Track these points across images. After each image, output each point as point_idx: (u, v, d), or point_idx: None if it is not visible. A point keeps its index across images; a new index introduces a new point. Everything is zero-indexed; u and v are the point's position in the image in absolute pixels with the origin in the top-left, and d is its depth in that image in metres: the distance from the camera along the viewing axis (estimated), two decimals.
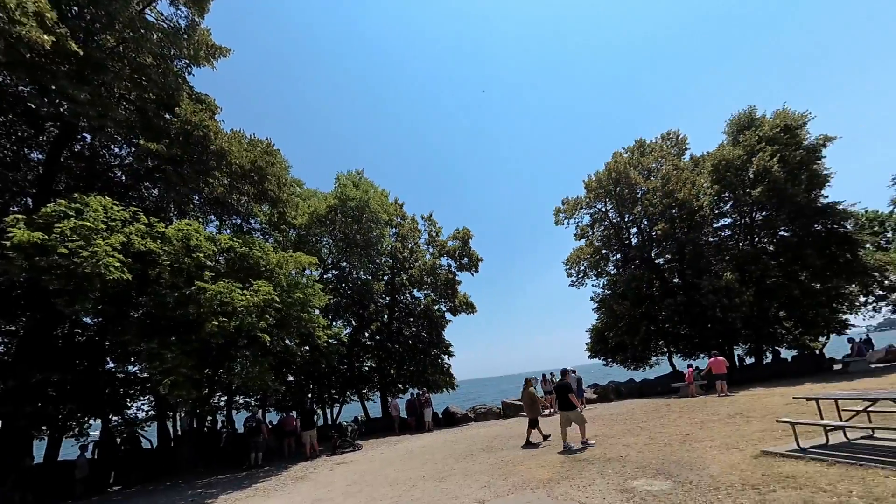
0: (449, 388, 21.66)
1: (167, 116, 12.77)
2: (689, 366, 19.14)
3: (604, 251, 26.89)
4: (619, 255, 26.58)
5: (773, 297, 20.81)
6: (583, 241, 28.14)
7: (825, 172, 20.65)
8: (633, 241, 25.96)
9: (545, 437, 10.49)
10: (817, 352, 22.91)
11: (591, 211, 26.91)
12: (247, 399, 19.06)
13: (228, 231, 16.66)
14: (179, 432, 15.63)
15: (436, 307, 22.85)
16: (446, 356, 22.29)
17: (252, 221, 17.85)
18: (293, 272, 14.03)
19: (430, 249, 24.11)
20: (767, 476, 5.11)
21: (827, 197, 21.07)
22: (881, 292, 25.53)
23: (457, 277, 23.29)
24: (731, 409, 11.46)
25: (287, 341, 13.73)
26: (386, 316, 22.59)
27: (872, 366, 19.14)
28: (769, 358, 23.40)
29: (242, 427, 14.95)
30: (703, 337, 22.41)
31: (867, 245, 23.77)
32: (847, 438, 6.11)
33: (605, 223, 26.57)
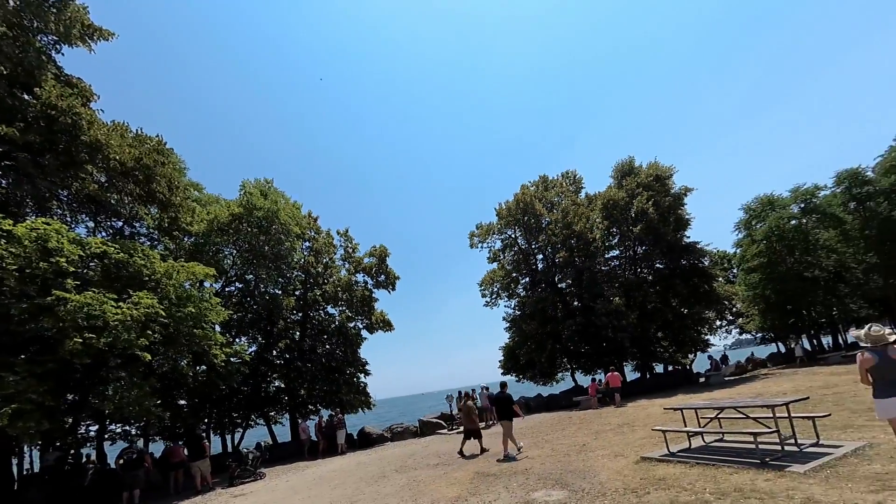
0: (365, 407, 21.02)
1: (25, 97, 11.02)
2: (592, 380, 21.01)
3: (514, 274, 28.63)
4: (527, 279, 28.52)
5: (652, 320, 23.97)
6: (495, 264, 29.83)
7: (687, 217, 24.99)
8: (540, 266, 28.12)
9: (483, 451, 10.70)
10: (687, 367, 26.69)
11: (503, 237, 28.78)
12: (126, 428, 16.44)
13: (105, 234, 14.51)
14: (32, 471, 12.92)
15: (351, 324, 22.26)
16: (362, 375, 21.66)
17: (137, 225, 15.72)
18: (186, 284, 12.67)
19: (346, 265, 23.54)
20: (644, 480, 5.81)
21: (689, 237, 25.47)
22: (731, 317, 31.00)
23: (373, 294, 23.03)
24: (621, 419, 12.79)
25: (177, 360, 12.25)
26: (297, 333, 21.35)
27: (726, 378, 22.83)
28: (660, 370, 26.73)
29: (115, 461, 12.82)
30: (599, 354, 24.83)
31: (719, 278, 28.81)
32: (704, 442, 7.20)
33: (515, 249, 28.45)
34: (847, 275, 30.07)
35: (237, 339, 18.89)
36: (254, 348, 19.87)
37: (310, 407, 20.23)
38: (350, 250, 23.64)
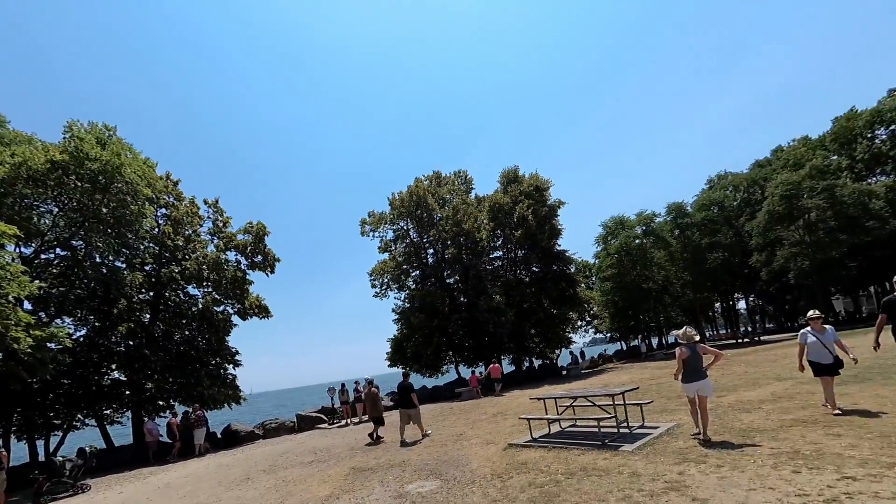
0: (234, 402, 18.90)
1: None
2: (473, 372, 22.31)
3: (405, 266, 28.86)
4: (418, 272, 29.06)
5: (527, 318, 26.59)
6: (386, 254, 29.71)
7: (560, 227, 28.26)
8: (430, 260, 28.85)
9: (379, 439, 10.99)
10: (553, 361, 30.30)
11: (395, 227, 28.74)
12: None
13: None
14: None
15: (220, 308, 19.55)
16: (231, 365, 19.38)
17: None
18: None
19: (215, 241, 20.44)
20: (510, 465, 6.34)
21: (560, 245, 28.79)
22: (588, 319, 36.31)
23: (248, 276, 20.45)
24: (496, 408, 13.84)
25: None
26: (147, 316, 18.05)
27: (583, 371, 26.48)
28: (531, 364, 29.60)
29: None
30: (481, 348, 26.59)
31: (581, 284, 33.47)
32: (561, 427, 8.18)
33: (407, 241, 28.70)
34: (671, 288, 37.54)
35: (58, 321, 15.21)
36: (82, 332, 16.26)
37: (159, 403, 17.37)
38: (220, 224, 20.52)
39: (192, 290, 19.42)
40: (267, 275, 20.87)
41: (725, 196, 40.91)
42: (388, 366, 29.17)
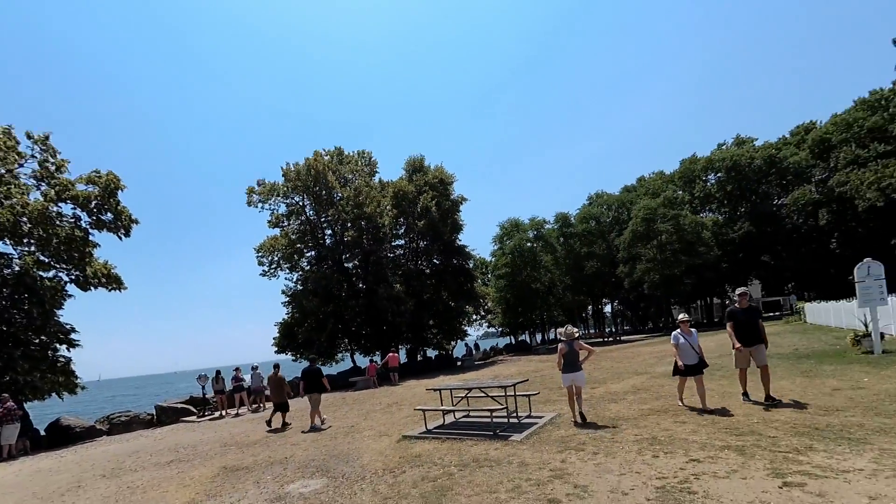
0: (67, 391, 15.42)
1: None
2: (371, 361, 21.78)
3: (299, 246, 27.04)
4: (313, 253, 27.44)
5: (427, 309, 27.00)
6: (277, 230, 27.48)
7: (461, 223, 29.28)
8: (328, 241, 27.43)
9: (285, 426, 10.59)
10: (450, 352, 31.33)
11: (289, 202, 26.73)
12: None
13: None
14: None
15: (49, 274, 15.39)
16: (65, 346, 15.57)
17: None
18: None
19: (43, 187, 15.85)
20: (403, 458, 6.18)
21: (461, 241, 29.81)
22: (483, 313, 38.48)
23: (91, 237, 16.45)
24: (391, 398, 13.64)
25: None
26: None
27: (476, 363, 27.87)
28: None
29: None
30: (379, 336, 26.22)
31: (478, 280, 35.33)
32: (456, 418, 8.33)
33: (302, 218, 26.89)
34: (555, 290, 41.80)
35: None
36: None
37: None
38: (52, 167, 15.84)
39: (2, 246, 14.96)
40: (120, 237, 16.74)
41: (601, 212, 46.92)
42: (276, 352, 27.00)
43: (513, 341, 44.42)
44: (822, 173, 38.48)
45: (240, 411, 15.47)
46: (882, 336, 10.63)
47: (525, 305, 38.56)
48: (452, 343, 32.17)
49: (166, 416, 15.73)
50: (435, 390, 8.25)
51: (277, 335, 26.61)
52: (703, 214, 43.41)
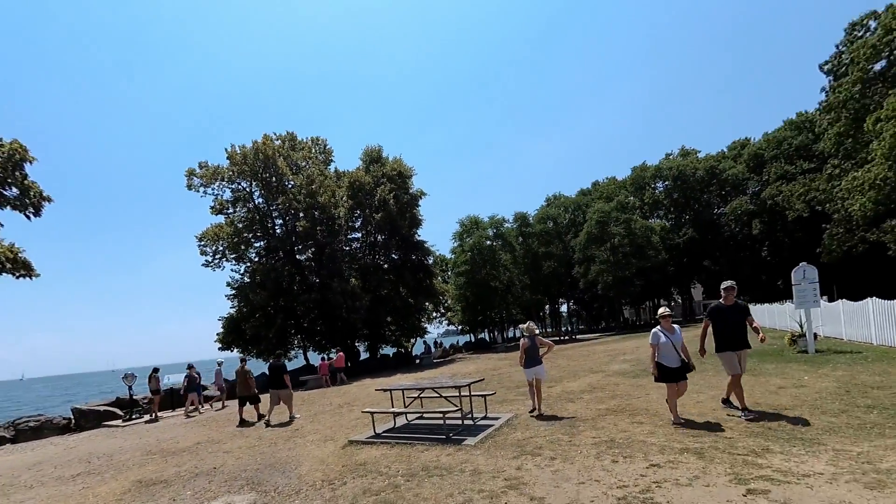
0: None
1: None
2: (323, 359, 20.73)
3: (246, 235, 25.48)
4: (262, 243, 25.95)
5: (384, 305, 26.23)
6: (222, 217, 25.72)
7: (420, 217, 28.68)
8: (278, 231, 26.03)
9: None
10: (409, 350, 30.71)
11: (234, 187, 25.10)
12: None
13: None
14: None
15: None
16: None
17: None
18: None
19: None
20: (346, 467, 5.59)
21: (420, 236, 29.19)
22: (443, 310, 38.13)
23: None
24: (343, 399, 12.88)
25: None
26: None
27: (435, 360, 27.42)
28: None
29: None
30: (333, 333, 25.15)
31: (438, 277, 34.96)
32: (407, 420, 7.82)
33: (251, 205, 25.36)
34: (513, 288, 42.25)
35: None
36: None
37: None
38: None
39: None
40: (28, 217, 14.61)
41: (559, 213, 48.09)
42: (220, 348, 25.20)
43: (472, 339, 44.47)
44: (755, 186, 41.60)
45: (190, 413, 14.09)
46: (815, 336, 11.29)
47: (484, 303, 38.66)
48: (412, 340, 31.56)
49: (86, 420, 14.04)
50: (385, 391, 7.68)
51: (221, 331, 24.87)
52: (652, 220, 45.61)
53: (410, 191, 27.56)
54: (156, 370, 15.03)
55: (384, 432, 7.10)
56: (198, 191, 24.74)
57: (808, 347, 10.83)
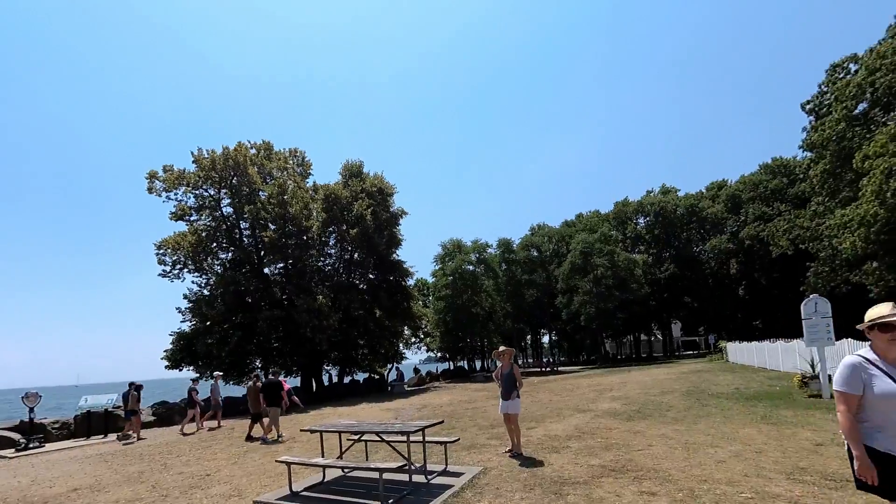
0: None
1: None
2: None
3: (210, 244, 23.39)
4: (228, 255, 23.95)
5: (356, 326, 24.08)
6: (183, 224, 23.68)
7: (400, 237, 26.97)
8: (245, 242, 24.16)
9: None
10: (384, 375, 28.34)
11: (199, 193, 23.16)
12: None
13: None
14: None
15: None
16: None
17: None
18: None
19: None
20: None
21: (399, 256, 27.33)
22: (422, 335, 36.01)
23: None
24: (289, 433, 10.71)
25: None
26: None
27: (408, 388, 25.23)
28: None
29: None
30: (298, 354, 22.86)
31: (418, 300, 33.09)
32: (344, 472, 5.99)
33: (217, 214, 23.44)
34: (495, 316, 40.60)
35: None
36: None
37: None
38: None
39: None
40: None
41: (542, 242, 47.38)
42: (167, 366, 22.51)
43: (451, 367, 42.23)
44: (733, 226, 41.96)
45: (186, 432, 12.59)
46: (830, 378, 10.01)
47: (464, 330, 36.78)
48: (388, 366, 29.26)
49: None
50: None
51: (171, 347, 22.27)
52: (634, 254, 45.38)
53: (391, 209, 26.10)
54: (138, 388, 12.98)
55: (304, 490, 5.28)
56: (159, 195, 22.79)
57: (822, 391, 9.50)
